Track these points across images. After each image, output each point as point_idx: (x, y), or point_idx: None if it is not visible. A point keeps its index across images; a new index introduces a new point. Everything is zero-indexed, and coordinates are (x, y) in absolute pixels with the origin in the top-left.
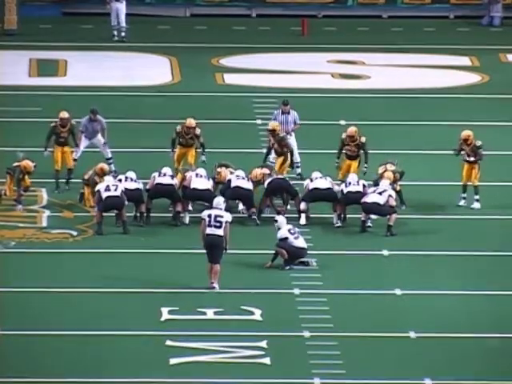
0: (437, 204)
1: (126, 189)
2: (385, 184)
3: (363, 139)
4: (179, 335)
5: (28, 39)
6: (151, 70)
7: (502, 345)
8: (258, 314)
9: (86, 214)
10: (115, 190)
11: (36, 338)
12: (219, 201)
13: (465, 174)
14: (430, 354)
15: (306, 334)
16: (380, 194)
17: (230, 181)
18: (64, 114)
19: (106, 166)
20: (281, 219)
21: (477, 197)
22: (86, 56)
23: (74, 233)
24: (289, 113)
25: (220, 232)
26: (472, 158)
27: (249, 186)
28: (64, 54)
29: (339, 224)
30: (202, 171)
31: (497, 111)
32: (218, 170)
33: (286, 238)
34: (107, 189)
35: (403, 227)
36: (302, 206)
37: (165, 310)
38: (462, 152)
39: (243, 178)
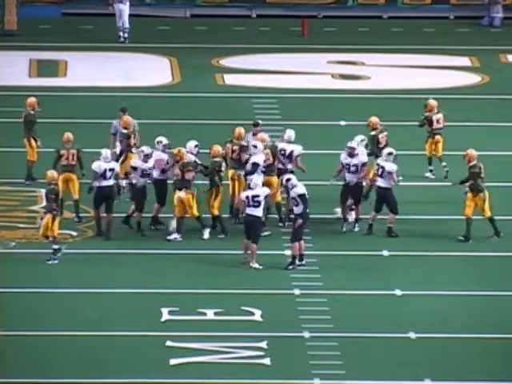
0: (437, 204)
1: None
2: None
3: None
4: (179, 336)
5: (28, 39)
6: (151, 70)
7: (503, 345)
8: (258, 315)
9: (86, 214)
10: (109, 177)
11: (36, 338)
12: (256, 181)
13: (428, 147)
14: (430, 354)
15: (306, 334)
16: (356, 171)
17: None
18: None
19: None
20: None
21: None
22: (86, 56)
23: (74, 233)
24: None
25: (258, 212)
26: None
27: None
28: (64, 55)
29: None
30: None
31: (497, 112)
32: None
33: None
34: (103, 175)
35: (403, 227)
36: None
37: (165, 311)
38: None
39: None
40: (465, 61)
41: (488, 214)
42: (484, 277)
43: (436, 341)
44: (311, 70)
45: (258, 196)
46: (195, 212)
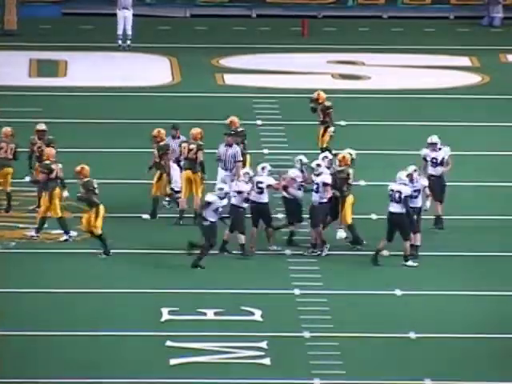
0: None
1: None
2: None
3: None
4: (179, 336)
5: (28, 39)
6: (151, 70)
7: (503, 345)
8: (258, 315)
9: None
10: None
11: (36, 338)
12: (258, 168)
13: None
14: (430, 354)
15: (306, 334)
16: (318, 191)
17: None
18: None
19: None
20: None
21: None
22: (86, 56)
23: (74, 233)
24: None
25: (262, 199)
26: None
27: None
28: (64, 55)
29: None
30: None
31: (497, 112)
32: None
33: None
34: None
35: None
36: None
37: (165, 311)
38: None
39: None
40: (465, 61)
41: (349, 221)
42: (484, 277)
43: (436, 341)
44: (311, 70)
45: (261, 182)
46: (57, 213)
